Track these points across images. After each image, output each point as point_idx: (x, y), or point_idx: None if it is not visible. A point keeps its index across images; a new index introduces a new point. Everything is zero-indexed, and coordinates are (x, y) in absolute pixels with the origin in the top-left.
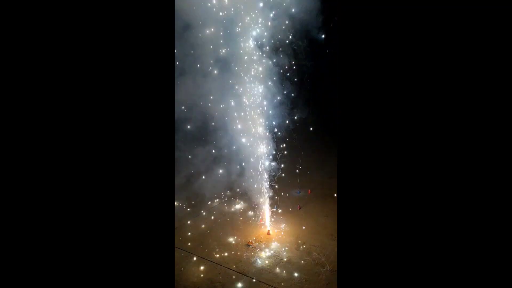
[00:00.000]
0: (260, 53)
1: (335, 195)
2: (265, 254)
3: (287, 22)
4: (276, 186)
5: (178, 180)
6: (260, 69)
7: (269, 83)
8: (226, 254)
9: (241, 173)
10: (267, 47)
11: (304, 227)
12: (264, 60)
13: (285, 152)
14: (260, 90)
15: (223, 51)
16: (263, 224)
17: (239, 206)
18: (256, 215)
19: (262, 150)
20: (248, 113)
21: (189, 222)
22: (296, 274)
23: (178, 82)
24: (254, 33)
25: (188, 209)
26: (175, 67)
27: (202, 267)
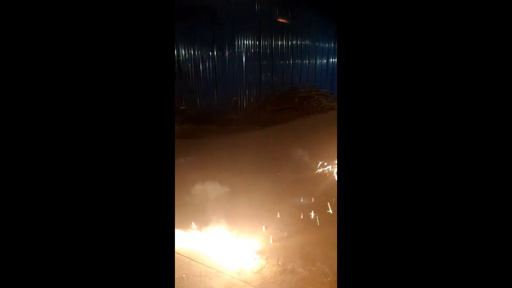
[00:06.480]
0: None
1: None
2: (268, 262)
3: None
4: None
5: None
6: None
7: None
8: (227, 261)
9: None
10: None
11: (307, 237)
12: None
13: None
14: None
15: None
16: (265, 232)
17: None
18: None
19: None
20: None
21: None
22: (299, 284)
23: None
24: None
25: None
26: None
27: (204, 275)
